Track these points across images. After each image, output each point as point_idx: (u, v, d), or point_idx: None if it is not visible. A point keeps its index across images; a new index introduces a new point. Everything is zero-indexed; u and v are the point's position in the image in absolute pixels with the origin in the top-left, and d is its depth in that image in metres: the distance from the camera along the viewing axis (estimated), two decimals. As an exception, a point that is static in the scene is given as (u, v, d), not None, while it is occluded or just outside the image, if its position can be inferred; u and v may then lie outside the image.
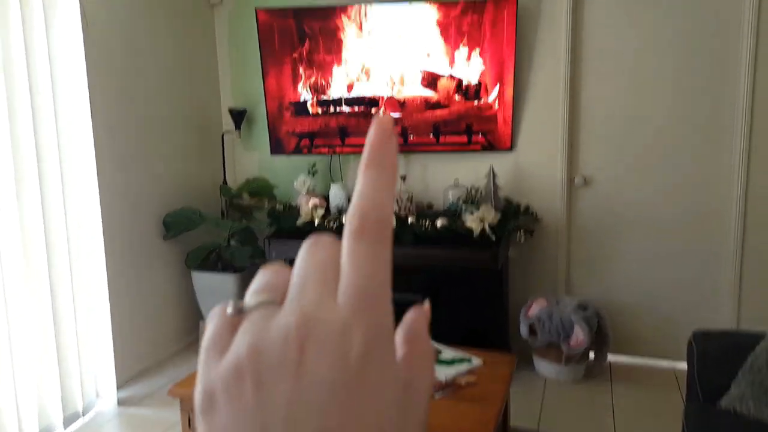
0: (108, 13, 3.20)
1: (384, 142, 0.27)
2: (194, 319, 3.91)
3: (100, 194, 3.04)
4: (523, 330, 3.28)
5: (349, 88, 3.56)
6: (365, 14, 3.43)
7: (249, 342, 0.25)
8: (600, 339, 3.22)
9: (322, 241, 0.27)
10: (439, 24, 3.36)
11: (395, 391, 0.25)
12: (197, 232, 3.76)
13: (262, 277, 0.29)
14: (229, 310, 0.27)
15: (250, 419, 0.24)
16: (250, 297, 0.28)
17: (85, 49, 2.92)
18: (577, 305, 3.18)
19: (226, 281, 3.67)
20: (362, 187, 0.26)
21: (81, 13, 2.91)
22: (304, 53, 3.57)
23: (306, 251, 0.27)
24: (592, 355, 3.32)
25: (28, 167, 2.65)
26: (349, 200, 3.63)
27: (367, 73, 3.52)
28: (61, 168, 2.83)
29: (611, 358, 3.44)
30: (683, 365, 3.36)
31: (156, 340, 3.65)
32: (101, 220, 3.05)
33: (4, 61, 2.55)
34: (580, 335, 3.06)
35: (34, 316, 2.69)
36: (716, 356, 2.19)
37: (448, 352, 2.42)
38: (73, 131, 2.91)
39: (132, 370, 3.42)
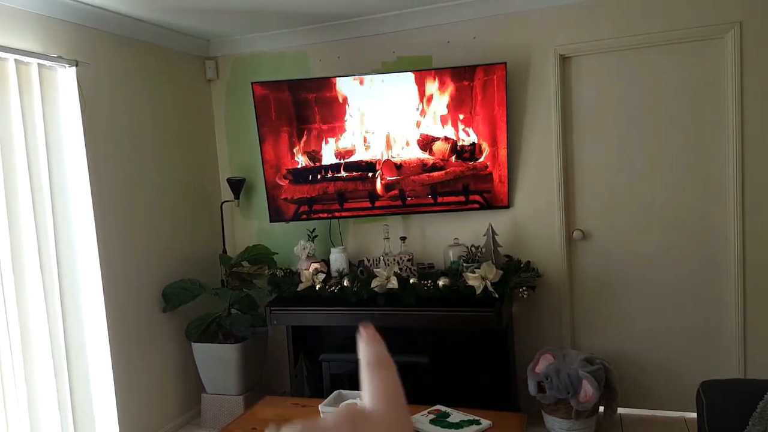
0: (106, 90, 3.30)
1: (370, 335, 0.44)
2: (196, 391, 3.84)
3: (101, 269, 3.04)
4: (531, 387, 3.24)
5: (347, 153, 3.64)
6: (359, 83, 3.55)
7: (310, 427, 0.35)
8: (608, 393, 3.19)
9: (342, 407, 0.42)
10: (432, 89, 3.47)
11: None
12: (197, 302, 3.75)
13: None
14: None
15: None
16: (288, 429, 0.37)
17: (83, 125, 2.99)
18: (584, 359, 3.16)
19: (227, 351, 3.64)
20: (365, 349, 0.42)
21: (79, 94, 2.99)
22: (301, 123, 3.67)
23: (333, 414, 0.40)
24: (601, 409, 3.27)
25: (27, 243, 2.67)
26: (350, 264, 3.67)
27: (364, 139, 3.60)
28: (60, 244, 2.85)
29: (620, 411, 3.39)
30: (692, 415, 3.33)
31: (158, 414, 3.58)
32: (103, 296, 3.04)
33: (3, 138, 2.61)
34: (588, 390, 3.03)
35: (36, 394, 2.65)
36: (725, 406, 2.17)
37: (456, 415, 2.39)
38: (73, 207, 2.94)
39: (134, 448, 3.35)
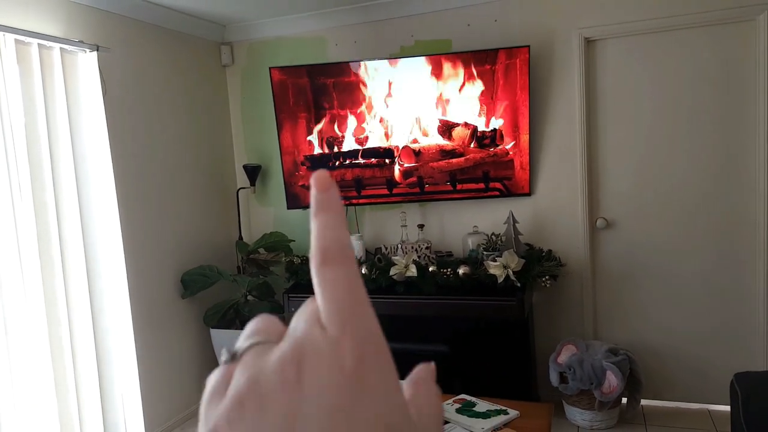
0: (125, 78, 3.27)
1: (325, 189, 0.30)
2: (213, 378, 3.83)
3: (124, 256, 3.03)
4: (554, 378, 3.20)
5: (365, 140, 3.59)
6: (377, 68, 3.49)
7: (246, 375, 0.26)
8: (632, 384, 3.14)
9: (307, 301, 0.29)
10: (452, 74, 3.41)
11: (399, 398, 0.27)
12: (215, 288, 3.74)
13: (253, 324, 0.30)
14: (223, 357, 0.28)
15: None
16: (242, 341, 0.29)
17: (105, 112, 2.97)
18: (608, 350, 3.11)
19: (246, 338, 3.61)
20: (316, 230, 0.29)
21: (100, 79, 2.96)
22: (318, 108, 3.62)
23: (297, 311, 0.29)
24: (624, 400, 3.23)
25: (51, 229, 2.65)
26: (366, 251, 3.63)
27: (382, 124, 3.55)
28: (83, 230, 2.82)
29: (643, 402, 3.35)
30: (717, 407, 3.29)
31: (178, 397, 3.58)
32: (126, 281, 3.04)
33: (28, 123, 2.59)
34: (613, 381, 2.99)
35: (65, 377, 2.65)
36: (761, 397, 2.13)
37: (482, 404, 2.35)
38: (96, 194, 2.92)
39: (155, 430, 3.36)
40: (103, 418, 2.90)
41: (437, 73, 3.42)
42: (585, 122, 3.38)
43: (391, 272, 3.25)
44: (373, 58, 3.53)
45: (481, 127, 3.43)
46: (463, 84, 3.41)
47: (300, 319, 0.28)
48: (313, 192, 0.30)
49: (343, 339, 0.26)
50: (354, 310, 0.27)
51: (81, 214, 2.81)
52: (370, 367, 0.26)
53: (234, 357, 0.28)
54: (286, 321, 0.28)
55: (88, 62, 2.88)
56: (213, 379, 0.28)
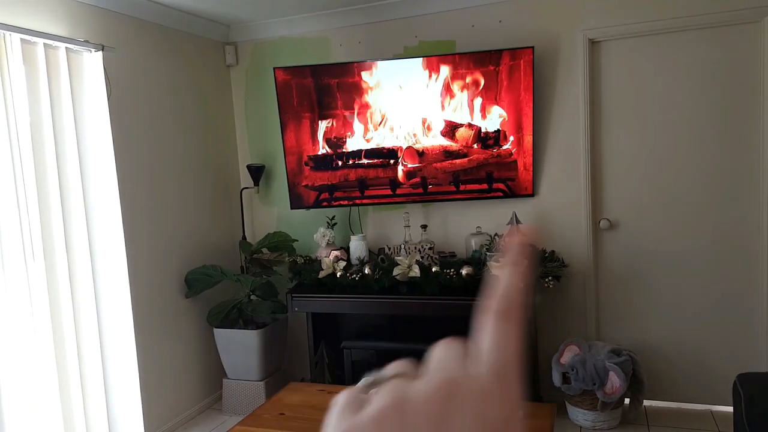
0: (129, 77, 3.28)
1: (523, 247, 0.32)
2: (217, 376, 3.85)
3: (126, 253, 3.04)
4: (556, 378, 3.21)
5: (369, 140, 3.60)
6: (381, 69, 3.50)
7: (393, 395, 0.27)
8: (635, 385, 3.15)
9: (450, 340, 0.30)
10: (456, 75, 3.41)
11: None
12: (218, 288, 3.75)
13: (394, 364, 0.31)
14: (363, 381, 0.29)
15: None
16: (385, 372, 0.30)
17: (109, 112, 2.98)
18: (611, 351, 3.12)
19: (248, 337, 3.63)
20: (506, 277, 0.30)
21: (105, 79, 2.97)
22: (322, 109, 3.62)
23: (438, 347, 0.30)
24: (627, 401, 3.23)
25: (56, 228, 2.66)
26: (369, 252, 3.63)
27: (386, 125, 3.56)
28: (87, 229, 2.84)
29: (646, 403, 3.35)
30: (720, 408, 3.29)
31: (180, 398, 3.59)
32: (128, 281, 3.04)
33: (34, 123, 2.60)
34: (616, 382, 2.99)
35: (68, 376, 2.66)
36: (765, 398, 2.13)
37: (485, 405, 2.36)
38: (99, 193, 2.93)
39: (157, 430, 3.36)
40: (107, 417, 2.91)
41: (441, 73, 3.43)
42: (589, 123, 3.38)
43: (394, 272, 3.25)
44: (377, 59, 3.54)
45: (485, 128, 3.43)
46: (467, 85, 3.41)
47: (449, 356, 0.29)
48: (516, 243, 0.32)
49: (496, 393, 0.27)
50: (513, 370, 0.28)
51: (86, 213, 2.82)
52: (512, 429, 0.27)
53: (374, 384, 0.29)
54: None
55: (93, 62, 2.89)
56: (345, 396, 0.29)
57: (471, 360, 0.29)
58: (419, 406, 0.26)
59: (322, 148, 3.66)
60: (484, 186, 3.51)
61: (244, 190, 4.11)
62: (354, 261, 3.54)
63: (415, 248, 3.45)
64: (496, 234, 3.34)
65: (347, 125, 3.61)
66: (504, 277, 0.30)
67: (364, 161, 3.63)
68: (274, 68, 3.60)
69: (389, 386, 0.28)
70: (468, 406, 0.26)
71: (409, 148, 3.56)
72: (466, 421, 0.26)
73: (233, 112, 4.19)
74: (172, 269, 3.55)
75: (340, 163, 3.66)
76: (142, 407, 3.12)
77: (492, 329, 0.29)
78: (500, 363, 0.28)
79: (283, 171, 3.84)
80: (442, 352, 0.30)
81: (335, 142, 3.65)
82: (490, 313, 0.30)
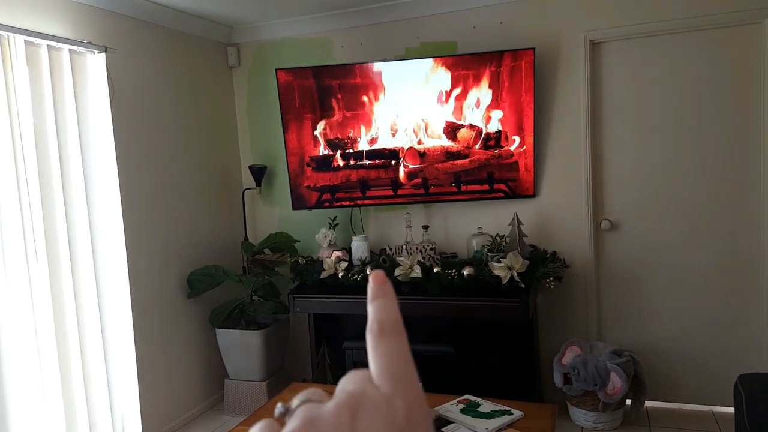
0: (132, 79, 3.29)
1: (381, 282, 0.35)
2: (219, 377, 3.86)
3: (127, 256, 3.05)
4: (558, 379, 3.21)
5: (370, 141, 3.61)
6: (383, 70, 3.51)
7: (302, 417, 0.29)
8: (637, 385, 3.15)
9: (352, 371, 0.33)
10: (458, 76, 3.42)
11: None
12: (220, 288, 3.76)
13: (303, 392, 0.33)
14: (277, 410, 0.31)
15: None
16: (296, 400, 0.32)
17: (111, 114, 2.99)
18: (612, 351, 3.12)
19: (250, 337, 3.64)
20: (373, 309, 0.34)
21: (108, 80, 2.99)
22: (324, 110, 3.63)
23: (345, 376, 0.33)
24: (628, 402, 3.23)
25: (59, 228, 2.67)
26: (371, 252, 3.64)
27: (387, 126, 3.57)
28: (89, 229, 2.85)
29: (647, 403, 3.36)
30: (721, 409, 3.30)
31: (182, 398, 3.60)
32: (128, 281, 3.05)
33: (37, 125, 2.61)
34: (617, 383, 2.99)
35: (64, 377, 2.67)
36: (766, 398, 2.13)
37: (487, 405, 2.37)
38: (101, 194, 2.94)
39: (159, 431, 3.37)
40: (111, 416, 2.92)
41: (442, 74, 3.43)
42: (590, 124, 3.39)
43: (396, 273, 3.26)
44: (379, 60, 3.55)
45: (486, 129, 3.44)
46: (468, 86, 3.42)
47: (350, 381, 0.32)
48: (371, 285, 0.36)
49: (396, 397, 0.30)
50: (405, 375, 0.32)
51: (89, 214, 2.83)
52: (418, 424, 0.30)
53: (287, 412, 0.31)
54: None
55: (96, 63, 2.90)
56: (259, 426, 0.31)
57: (373, 379, 0.32)
58: (329, 420, 0.28)
59: (324, 149, 3.67)
60: (486, 187, 3.51)
61: (246, 191, 4.12)
62: (355, 261, 3.55)
63: (417, 249, 3.45)
64: (497, 234, 3.35)
65: (349, 126, 3.62)
66: (374, 307, 0.34)
67: (366, 162, 3.64)
68: (276, 69, 3.61)
69: (300, 410, 0.30)
70: (373, 411, 0.29)
71: (410, 148, 3.57)
72: (375, 424, 0.28)
73: (235, 113, 4.20)
74: (174, 270, 3.56)
75: (341, 163, 3.67)
76: (144, 407, 3.13)
77: (375, 347, 0.32)
78: (391, 372, 0.31)
79: (284, 172, 3.86)
80: (347, 378, 0.32)
81: (337, 143, 3.66)
82: (370, 335, 0.33)
